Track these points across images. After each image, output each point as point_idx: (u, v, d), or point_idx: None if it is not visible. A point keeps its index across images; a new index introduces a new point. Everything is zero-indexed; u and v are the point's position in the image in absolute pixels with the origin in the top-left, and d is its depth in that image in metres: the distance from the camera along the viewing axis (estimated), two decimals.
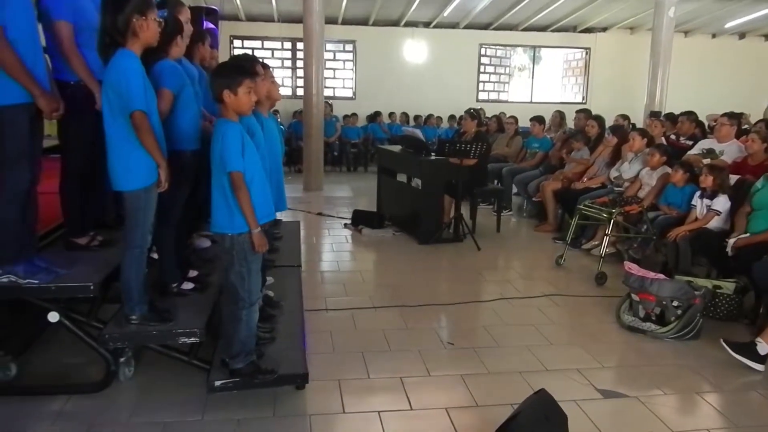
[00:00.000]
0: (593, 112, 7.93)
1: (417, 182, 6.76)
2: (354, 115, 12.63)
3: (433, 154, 6.44)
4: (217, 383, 2.88)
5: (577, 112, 8.24)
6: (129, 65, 2.74)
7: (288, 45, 13.11)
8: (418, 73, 13.36)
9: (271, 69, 3.50)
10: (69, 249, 3.53)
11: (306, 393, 3.10)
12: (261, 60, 3.48)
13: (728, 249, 4.32)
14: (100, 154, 3.36)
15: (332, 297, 4.60)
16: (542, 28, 13.77)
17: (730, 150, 5.66)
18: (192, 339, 3.01)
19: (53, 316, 3.06)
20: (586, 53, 14.28)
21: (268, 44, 13.12)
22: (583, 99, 14.20)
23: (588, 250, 5.94)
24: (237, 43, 12.92)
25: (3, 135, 2.87)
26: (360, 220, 6.81)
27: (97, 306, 3.23)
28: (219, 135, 2.75)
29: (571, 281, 5.14)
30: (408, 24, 13.09)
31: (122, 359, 3.17)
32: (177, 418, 2.88)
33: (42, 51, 3.03)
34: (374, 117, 12.73)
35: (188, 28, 3.49)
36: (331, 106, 12.11)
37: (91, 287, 3.04)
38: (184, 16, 3.69)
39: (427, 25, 13.28)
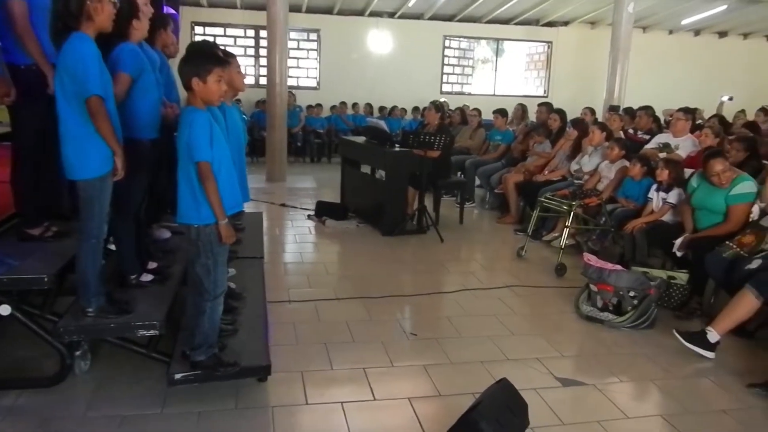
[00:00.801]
0: (554, 106, 8.05)
1: (381, 174, 6.76)
2: (318, 105, 12.53)
3: (397, 145, 6.44)
4: (178, 376, 2.83)
5: (539, 105, 8.36)
6: (84, 49, 2.66)
7: (251, 32, 12.91)
8: (382, 63, 13.33)
9: (236, 58, 3.43)
10: (22, 240, 3.43)
11: (268, 385, 3.08)
12: (224, 48, 3.41)
13: (675, 250, 4.44)
14: (53, 141, 3.27)
15: (295, 288, 4.57)
16: (505, 21, 13.89)
17: (684, 144, 5.82)
18: (151, 332, 2.96)
19: (5, 309, 2.96)
20: (548, 47, 14.48)
21: (230, 31, 12.89)
22: (544, 92, 14.39)
23: (548, 242, 6.05)
24: (198, 29, 12.66)
25: None
26: (323, 211, 6.77)
27: (52, 298, 3.14)
28: (186, 123, 2.69)
29: (532, 272, 5.22)
30: (372, 14, 13.04)
31: (78, 352, 3.09)
32: (135, 411, 2.83)
33: None
34: (337, 109, 12.65)
35: (147, 10, 3.39)
36: (294, 95, 12.00)
37: (45, 279, 2.97)
38: None
39: (391, 15, 13.24)
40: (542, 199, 5.60)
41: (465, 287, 4.75)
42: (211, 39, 12.51)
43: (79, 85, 2.64)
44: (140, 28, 3.26)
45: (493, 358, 3.53)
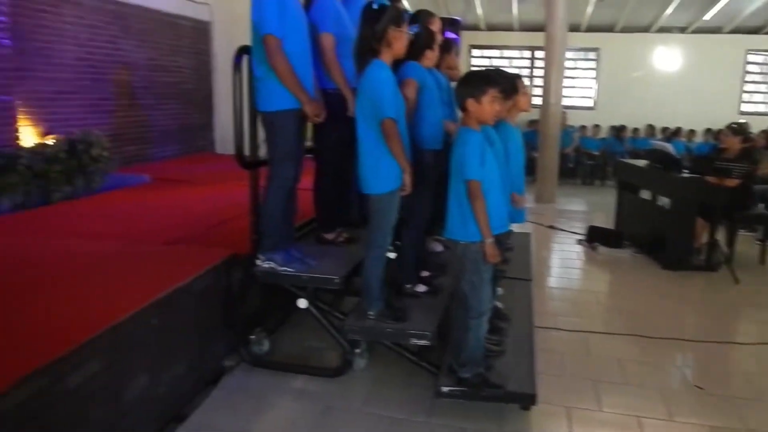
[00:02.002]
0: None
1: (664, 201, 6.15)
2: (596, 126, 11.98)
3: (685, 171, 5.79)
4: (445, 389, 2.90)
5: None
6: (382, 75, 2.89)
7: (527, 53, 12.93)
8: (668, 82, 12.20)
9: (521, 79, 3.43)
10: (318, 243, 3.84)
11: (532, 414, 2.98)
12: (512, 72, 3.44)
13: None
14: (349, 158, 3.61)
15: (563, 316, 4.37)
16: None
17: None
18: (423, 341, 3.07)
19: (302, 303, 3.35)
20: None
21: (506, 53, 13.08)
22: None
23: None
24: (475, 52, 13.09)
25: (274, 136, 3.23)
26: (595, 237, 6.41)
27: (340, 298, 3.46)
28: (460, 142, 2.77)
29: None
30: (661, 30, 12.04)
31: (358, 350, 3.35)
32: (404, 415, 2.96)
33: (311, 61, 3.32)
34: (618, 131, 11.92)
35: (439, 39, 3.58)
36: (567, 115, 11.63)
37: (337, 280, 3.27)
38: (436, 26, 3.79)
39: (682, 30, 12.07)
40: None
41: None
42: (487, 61, 12.87)
43: (375, 108, 2.88)
44: (432, 57, 3.49)
45: None
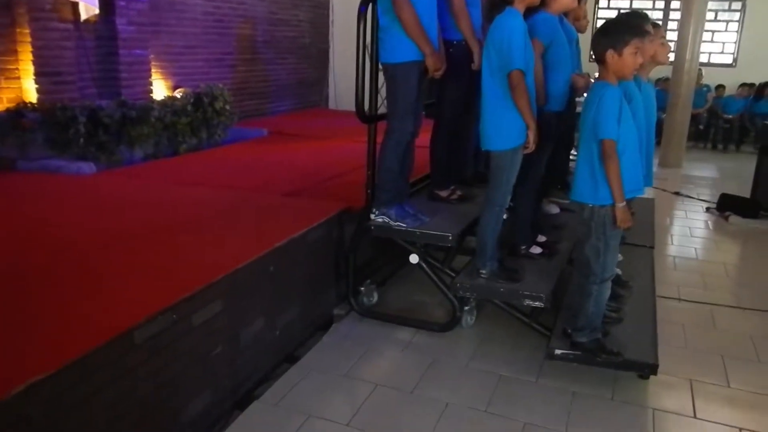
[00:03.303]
0: None
1: None
2: (743, 85, 10.81)
3: None
4: (558, 352, 2.82)
5: None
6: (514, 24, 2.76)
7: (660, 4, 11.94)
8: None
9: (660, 27, 3.14)
10: (431, 199, 3.80)
11: (649, 384, 2.85)
12: (652, 18, 3.15)
13: None
14: (469, 114, 3.50)
15: (687, 286, 4.09)
16: None
17: None
18: (536, 303, 3.00)
19: (414, 258, 3.37)
20: None
21: (636, 4, 12.14)
22: None
23: None
24: (602, 3, 12.27)
25: (396, 89, 3.18)
26: (727, 205, 5.91)
27: (452, 255, 3.44)
28: (595, 98, 2.58)
29: None
30: None
31: (466, 307, 3.33)
32: (512, 374, 2.93)
33: (436, 12, 3.21)
34: (762, 89, 10.73)
35: None
36: (702, 73, 10.65)
37: (450, 237, 3.24)
38: None
39: None
40: None
41: None
42: (614, 13, 12.03)
43: (503, 59, 2.75)
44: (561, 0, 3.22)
45: None
